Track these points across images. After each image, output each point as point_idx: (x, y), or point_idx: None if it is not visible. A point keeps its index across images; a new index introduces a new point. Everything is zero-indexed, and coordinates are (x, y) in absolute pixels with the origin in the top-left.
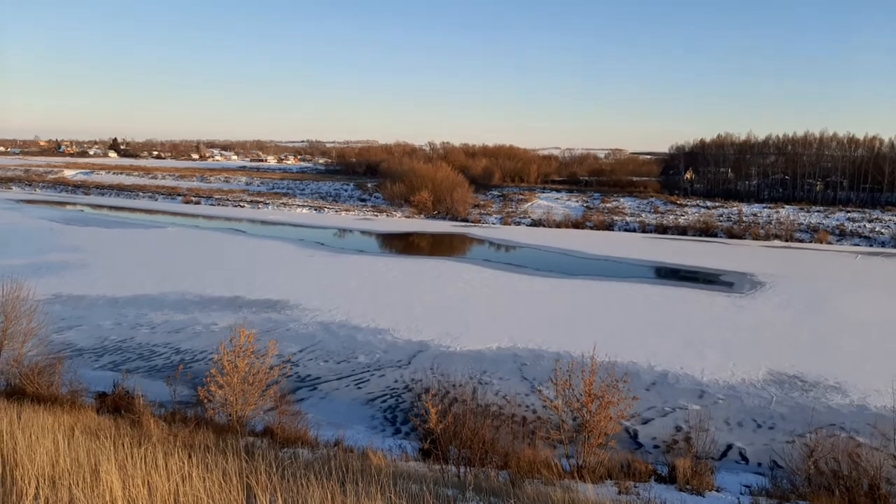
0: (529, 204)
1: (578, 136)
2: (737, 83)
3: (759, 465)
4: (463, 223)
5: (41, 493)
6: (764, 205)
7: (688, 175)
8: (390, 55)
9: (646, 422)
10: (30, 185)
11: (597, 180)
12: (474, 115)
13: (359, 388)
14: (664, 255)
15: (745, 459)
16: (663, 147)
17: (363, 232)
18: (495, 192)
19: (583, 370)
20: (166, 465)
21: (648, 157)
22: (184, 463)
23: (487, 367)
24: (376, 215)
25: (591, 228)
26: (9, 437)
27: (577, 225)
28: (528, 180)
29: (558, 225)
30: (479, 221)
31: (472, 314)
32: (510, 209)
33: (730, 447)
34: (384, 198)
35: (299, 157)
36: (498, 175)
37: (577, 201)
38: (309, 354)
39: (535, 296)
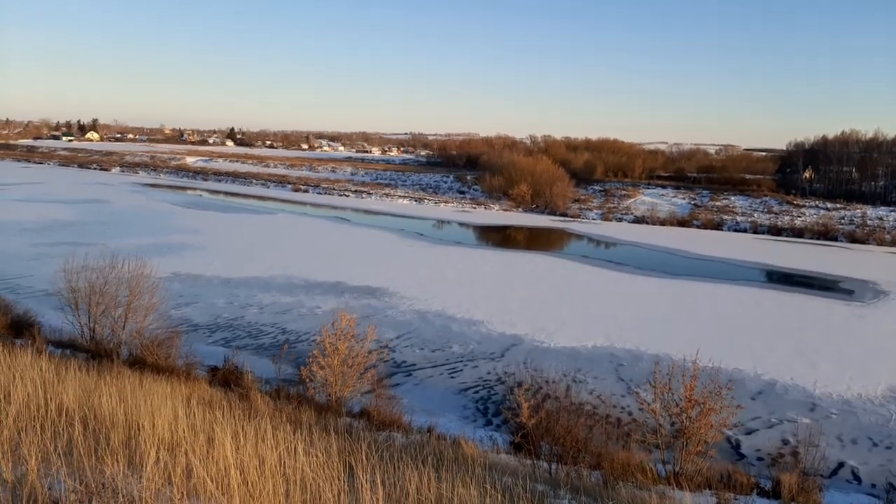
0: (632, 200)
1: (687, 131)
2: (864, 77)
3: (874, 486)
4: (562, 218)
5: (161, 457)
6: (891, 208)
7: (806, 174)
8: (493, 49)
9: (750, 432)
10: (155, 171)
11: (706, 177)
12: (577, 109)
13: (452, 377)
14: (777, 257)
15: (858, 479)
16: (780, 144)
17: (461, 224)
18: (597, 187)
19: (683, 374)
20: (274, 439)
21: (763, 153)
22: (289, 437)
23: (582, 365)
24: (474, 207)
25: (699, 227)
26: (133, 404)
27: (683, 223)
28: (632, 175)
29: (662, 223)
30: (578, 216)
31: (568, 311)
32: (612, 205)
33: (841, 465)
34: (483, 190)
35: (402, 148)
36: (600, 169)
37: (684, 198)
38: (405, 341)
39: (636, 295)
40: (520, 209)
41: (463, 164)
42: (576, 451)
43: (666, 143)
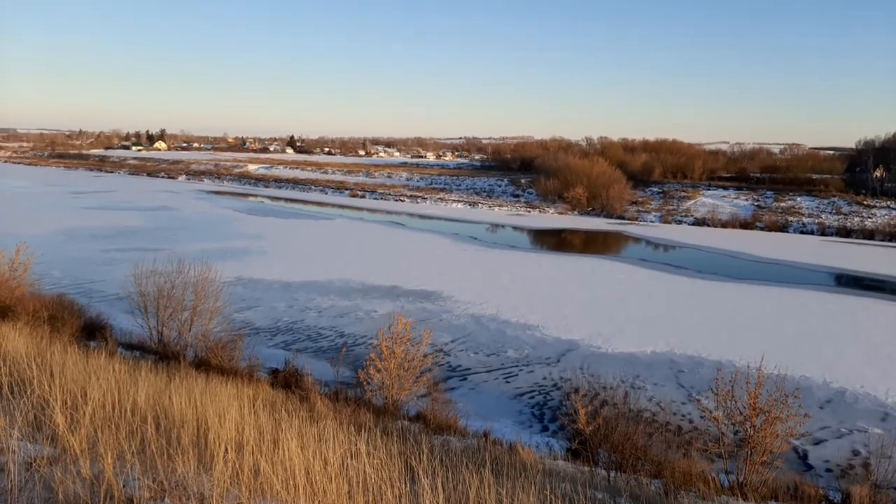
0: (692, 202)
1: (749, 130)
2: None
3: None
4: (619, 220)
5: (229, 456)
6: None
7: (877, 173)
8: (548, 52)
9: (818, 442)
10: (218, 178)
11: (769, 177)
12: (634, 110)
13: (507, 381)
14: (846, 260)
15: None
16: (848, 142)
17: (515, 227)
18: (655, 189)
19: (747, 381)
20: (336, 440)
21: (830, 152)
22: (351, 439)
23: (641, 371)
24: (529, 211)
25: (762, 230)
26: (201, 405)
27: (745, 225)
28: (692, 176)
29: (724, 225)
30: (636, 219)
31: (626, 315)
32: (671, 207)
33: None
34: (537, 193)
35: (456, 153)
36: (658, 171)
37: (747, 199)
38: (460, 345)
39: (696, 299)
40: (575, 212)
41: (517, 168)
42: (635, 459)
43: (727, 142)
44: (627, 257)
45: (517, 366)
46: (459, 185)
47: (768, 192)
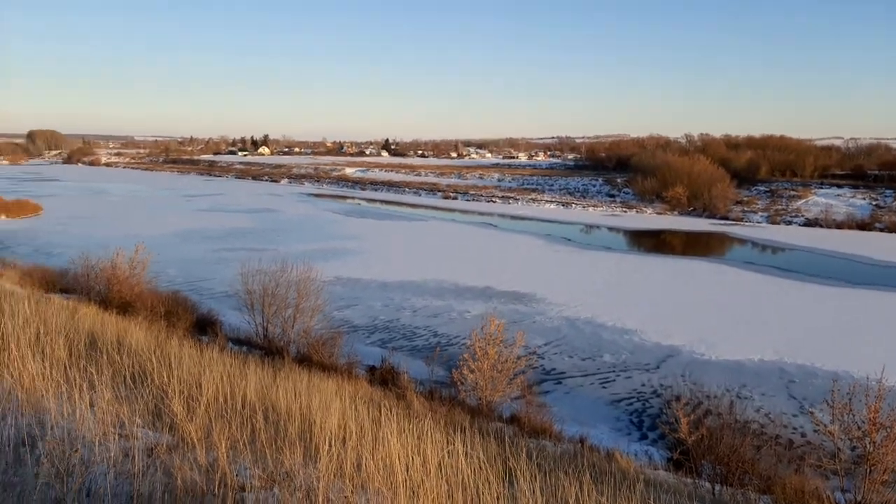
0: (803, 201)
1: (866, 125)
2: None
3: None
4: (722, 221)
5: (333, 449)
6: None
7: None
8: (644, 47)
9: None
10: (318, 181)
11: (889, 175)
12: (738, 105)
13: (603, 387)
14: None
15: None
16: None
17: (610, 228)
18: (761, 188)
19: (867, 394)
20: (433, 439)
21: None
22: (450, 439)
23: (747, 380)
24: (625, 211)
25: (882, 231)
26: (305, 399)
27: (863, 226)
28: (802, 174)
29: (839, 226)
30: (740, 219)
31: (730, 321)
32: (779, 206)
33: None
34: (634, 193)
35: (549, 153)
36: (765, 168)
37: (864, 198)
38: (554, 348)
39: (808, 305)
40: (675, 212)
41: (612, 167)
42: (742, 473)
43: (841, 137)
44: (732, 259)
45: (614, 371)
46: (552, 185)
47: (888, 191)
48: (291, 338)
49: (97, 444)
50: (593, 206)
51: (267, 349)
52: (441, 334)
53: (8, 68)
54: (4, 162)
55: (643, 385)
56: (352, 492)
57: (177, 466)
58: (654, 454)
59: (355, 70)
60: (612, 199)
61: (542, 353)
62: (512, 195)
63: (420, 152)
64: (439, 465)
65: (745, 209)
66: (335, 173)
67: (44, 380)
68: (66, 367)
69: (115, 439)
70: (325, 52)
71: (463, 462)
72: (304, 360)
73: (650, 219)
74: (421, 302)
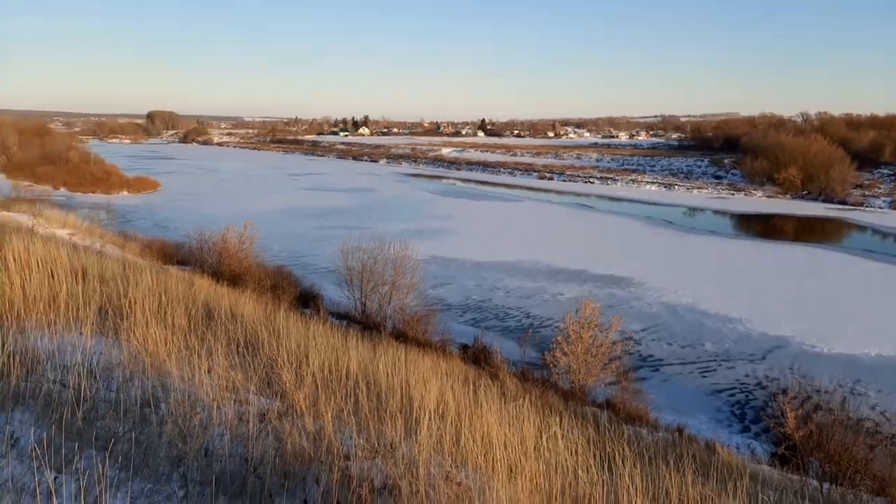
0: None
1: None
2: None
3: None
4: (839, 206)
5: (433, 424)
6: None
7: None
8: (754, 21)
9: None
10: (415, 161)
11: None
12: (859, 82)
13: (704, 376)
14: None
15: None
16: None
17: (715, 211)
18: (885, 171)
19: None
20: (529, 419)
21: None
22: (543, 420)
23: (863, 375)
24: (732, 194)
25: None
26: (404, 374)
27: None
28: None
29: None
30: (860, 204)
31: (846, 312)
32: None
33: None
34: (742, 175)
35: (651, 132)
36: (890, 150)
37: None
38: (651, 334)
39: None
40: (787, 196)
41: (720, 147)
42: (853, 472)
43: None
44: (849, 247)
45: (715, 360)
46: (654, 165)
47: None
48: (388, 314)
49: (214, 407)
50: (698, 188)
51: (364, 324)
52: (534, 316)
53: (129, 55)
54: (126, 141)
55: (747, 376)
56: (451, 466)
57: (287, 432)
58: (757, 448)
59: (453, 51)
60: (718, 181)
61: (639, 338)
62: (610, 176)
63: (516, 132)
64: (536, 445)
65: (866, 193)
66: (431, 153)
67: (166, 345)
68: (185, 335)
69: (230, 404)
70: (424, 34)
71: (561, 444)
72: (400, 336)
73: (759, 202)
74: (514, 283)
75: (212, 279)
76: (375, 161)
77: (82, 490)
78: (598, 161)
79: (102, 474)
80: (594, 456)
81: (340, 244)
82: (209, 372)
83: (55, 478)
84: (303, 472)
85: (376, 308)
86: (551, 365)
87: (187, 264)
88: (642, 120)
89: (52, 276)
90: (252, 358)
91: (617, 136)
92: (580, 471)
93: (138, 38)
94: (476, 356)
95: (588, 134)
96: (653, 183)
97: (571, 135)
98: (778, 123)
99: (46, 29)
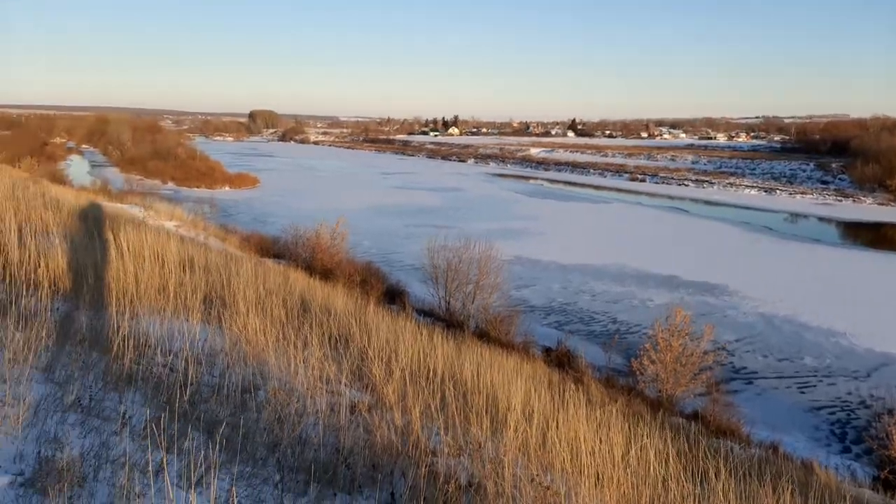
0: None
1: None
2: None
3: None
4: None
5: (519, 425)
6: None
7: None
8: (866, 12)
9: None
10: (502, 161)
11: None
12: None
13: (802, 392)
14: None
15: None
16: None
17: (820, 218)
18: None
19: None
20: (616, 426)
21: None
22: (631, 428)
23: None
24: (839, 200)
25: None
26: (489, 372)
27: None
28: None
29: None
30: None
31: None
32: None
33: None
34: (851, 180)
35: (752, 134)
36: None
37: None
38: (746, 346)
39: None
40: None
41: (827, 150)
42: None
43: None
44: None
45: (815, 375)
46: (753, 169)
47: None
48: (471, 312)
49: (308, 396)
50: (801, 193)
51: (448, 322)
52: (620, 321)
53: (234, 57)
54: (230, 139)
55: (849, 393)
56: (537, 470)
57: (376, 425)
58: (858, 470)
59: (543, 49)
60: (824, 186)
61: (733, 349)
62: (707, 179)
63: (608, 132)
64: (622, 454)
65: None
66: (520, 154)
67: (264, 335)
68: (282, 325)
69: (323, 394)
70: (514, 32)
71: (651, 454)
72: (483, 336)
73: (870, 209)
74: (600, 286)
75: (305, 273)
76: (463, 161)
77: (188, 469)
78: (693, 163)
79: (206, 456)
80: (686, 468)
81: (427, 242)
82: (304, 362)
83: (163, 457)
84: (390, 465)
85: (460, 307)
86: (637, 372)
87: (282, 258)
88: (742, 121)
89: (163, 266)
90: (344, 351)
91: (715, 138)
92: (671, 482)
93: (244, 39)
94: (559, 360)
95: (684, 135)
96: (752, 187)
97: (666, 135)
98: (892, 126)
99: (162, 31)
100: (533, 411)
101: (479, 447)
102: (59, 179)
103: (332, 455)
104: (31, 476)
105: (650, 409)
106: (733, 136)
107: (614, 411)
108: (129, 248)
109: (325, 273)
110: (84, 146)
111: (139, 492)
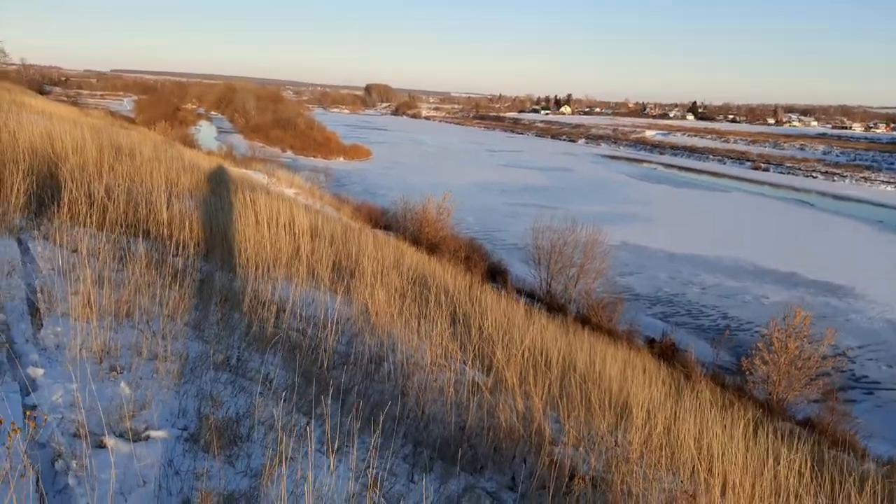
0: None
1: None
2: None
3: None
4: None
5: (639, 421)
6: None
7: None
8: None
9: None
10: (615, 143)
11: None
12: None
13: None
14: None
15: None
16: None
17: None
18: None
19: None
20: (743, 431)
21: None
22: (755, 433)
23: None
24: None
25: None
26: (608, 363)
27: None
28: None
29: None
30: None
31: None
32: None
33: None
34: None
35: (892, 125)
36: None
37: None
38: (869, 353)
39: None
40: None
41: None
42: None
43: None
44: None
45: None
46: (892, 163)
47: None
48: (572, 296)
49: (429, 371)
50: None
51: (548, 304)
52: (731, 317)
53: (353, 29)
54: (346, 111)
55: None
56: (664, 469)
57: (499, 408)
58: None
59: (661, 28)
60: None
61: (854, 356)
62: (838, 171)
63: (730, 117)
64: (745, 456)
65: None
66: (634, 135)
67: (388, 307)
68: (403, 298)
69: (444, 371)
70: (636, 8)
71: (783, 463)
72: (584, 321)
73: None
74: (711, 279)
75: (412, 245)
76: (574, 141)
77: (326, 436)
78: (824, 154)
79: (341, 423)
80: (816, 479)
81: (531, 222)
82: (425, 338)
83: (308, 422)
84: (511, 449)
85: (561, 290)
86: (747, 372)
87: (390, 229)
88: (882, 111)
89: (293, 234)
90: (463, 329)
91: (850, 128)
92: (804, 495)
93: (363, 14)
94: (663, 352)
95: (815, 123)
96: (890, 182)
97: (795, 123)
98: None
99: (290, 7)
100: (655, 407)
101: (602, 440)
102: (190, 143)
103: (455, 433)
104: (194, 432)
105: (762, 412)
106: (871, 127)
107: (739, 414)
108: (263, 215)
109: (431, 247)
110: (212, 112)
111: (290, 455)
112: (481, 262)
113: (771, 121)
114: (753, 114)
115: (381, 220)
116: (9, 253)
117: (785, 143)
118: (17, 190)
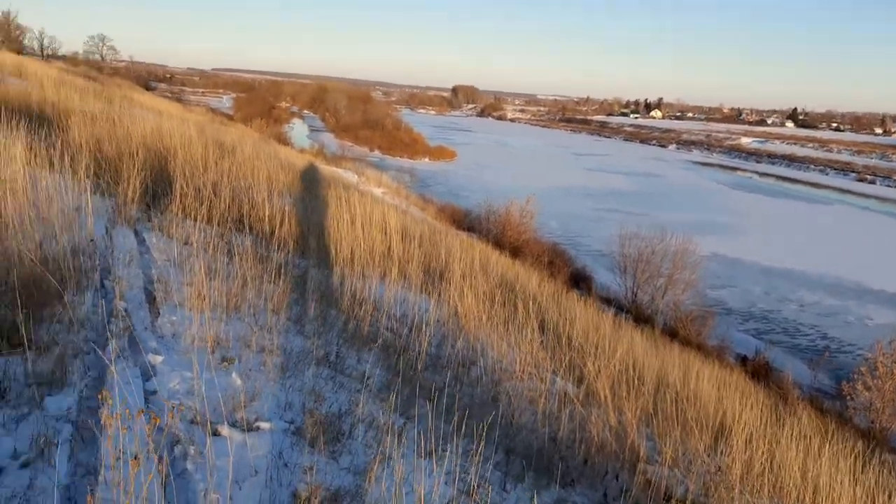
0: None
1: None
2: None
3: None
4: None
5: (738, 445)
6: None
7: None
8: None
9: None
10: (708, 149)
11: None
12: None
13: None
14: None
15: None
16: None
17: None
18: None
19: None
20: (850, 463)
21: None
22: (861, 465)
23: None
24: None
25: None
26: (693, 378)
27: None
28: None
29: None
30: None
31: None
32: None
33: None
34: None
35: None
36: None
37: None
38: None
39: None
40: None
41: None
42: None
43: None
44: None
45: None
46: None
47: None
48: (660, 308)
49: (518, 380)
50: None
51: (634, 314)
52: (831, 338)
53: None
54: (432, 112)
55: None
56: (765, 498)
57: (590, 421)
58: None
59: (758, 28)
60: None
61: None
62: None
63: (834, 125)
64: (852, 487)
65: None
66: (728, 142)
67: (476, 311)
68: (490, 302)
69: (534, 380)
70: (736, 8)
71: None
72: (671, 334)
73: None
74: (810, 296)
75: (495, 248)
76: (664, 146)
77: (420, 437)
78: None
79: (435, 425)
80: None
81: (617, 229)
82: (513, 344)
83: (405, 423)
84: (602, 464)
85: (648, 300)
86: (848, 397)
87: (473, 231)
88: None
89: (385, 234)
90: (553, 338)
91: None
92: None
93: (453, 15)
94: (756, 371)
95: None
96: None
97: None
98: None
99: (381, 10)
100: (755, 431)
101: (698, 462)
102: (283, 141)
103: (546, 443)
104: (300, 426)
105: (864, 441)
106: None
107: (844, 443)
108: (358, 214)
109: (514, 250)
110: (305, 111)
111: (388, 454)
112: (564, 268)
113: (878, 130)
114: (859, 122)
115: (464, 222)
116: (127, 243)
117: (893, 154)
118: (134, 183)
